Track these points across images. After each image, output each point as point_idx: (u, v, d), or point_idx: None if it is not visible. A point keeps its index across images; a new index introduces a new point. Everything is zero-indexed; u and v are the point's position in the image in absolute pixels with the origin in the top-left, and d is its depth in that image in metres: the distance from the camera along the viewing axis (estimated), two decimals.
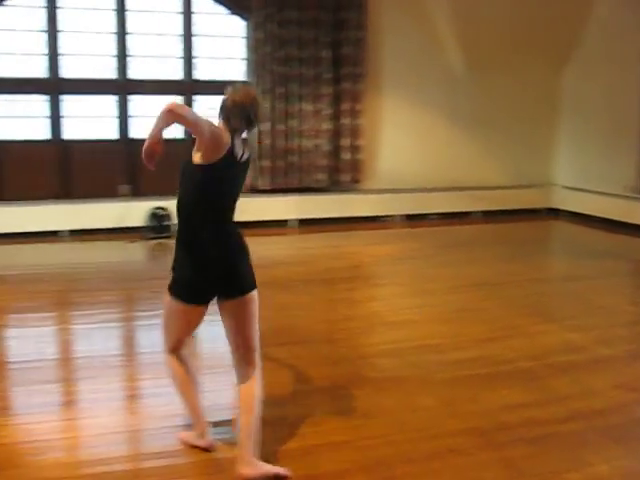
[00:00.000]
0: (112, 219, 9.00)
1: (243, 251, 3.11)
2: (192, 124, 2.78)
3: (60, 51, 9.11)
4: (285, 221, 9.83)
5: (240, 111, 2.93)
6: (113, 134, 9.43)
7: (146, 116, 9.34)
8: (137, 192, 9.43)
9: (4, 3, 8.77)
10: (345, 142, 10.06)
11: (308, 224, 9.77)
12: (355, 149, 10.11)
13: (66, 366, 4.43)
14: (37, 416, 3.45)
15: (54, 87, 9.16)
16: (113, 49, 9.28)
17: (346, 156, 10.08)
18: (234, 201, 3.06)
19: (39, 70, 9.14)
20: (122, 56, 9.31)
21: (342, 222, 9.83)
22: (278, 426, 3.28)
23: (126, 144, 9.37)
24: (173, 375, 3.20)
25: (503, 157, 11.04)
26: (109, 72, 9.37)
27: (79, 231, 8.91)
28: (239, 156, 2.95)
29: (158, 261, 8.21)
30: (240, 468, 2.93)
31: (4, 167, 9.14)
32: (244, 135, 3.03)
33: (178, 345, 3.16)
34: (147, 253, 8.44)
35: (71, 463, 2.98)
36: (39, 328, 5.28)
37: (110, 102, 9.41)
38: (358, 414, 3.44)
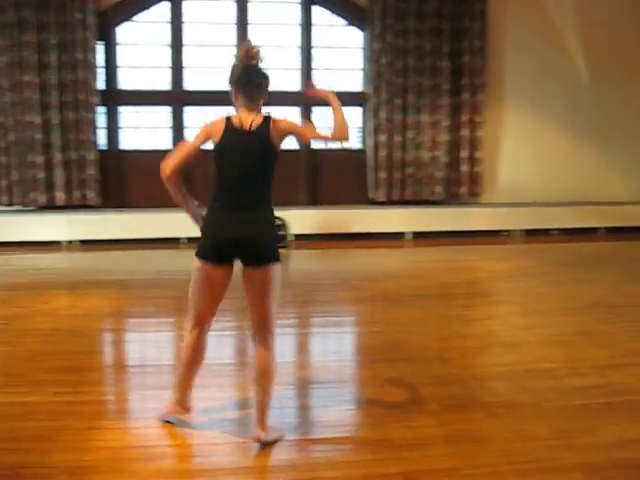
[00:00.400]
0: None
1: (265, 222, 3.21)
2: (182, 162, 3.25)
3: (184, 64, 9.45)
4: (400, 234, 9.72)
5: (240, 73, 3.23)
6: None
7: None
8: None
9: (133, 19, 9.19)
10: (464, 154, 9.86)
11: (423, 237, 9.62)
12: (474, 161, 9.89)
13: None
14: (148, 421, 3.50)
15: (178, 99, 9.50)
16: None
17: (464, 168, 9.87)
18: (254, 168, 3.18)
19: (164, 82, 9.51)
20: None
21: (458, 236, 9.61)
22: (380, 447, 3.18)
23: None
24: (186, 347, 3.39)
25: (628, 171, 10.47)
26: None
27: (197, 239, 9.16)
28: (242, 126, 3.18)
29: None
30: (256, 431, 3.16)
31: (129, 175, 9.57)
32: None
33: (202, 320, 3.34)
34: None
35: (176, 471, 2.99)
36: (155, 333, 5.43)
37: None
38: (466, 440, 3.28)
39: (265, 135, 3.18)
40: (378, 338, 5.06)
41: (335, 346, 5.05)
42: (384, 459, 3.08)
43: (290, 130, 3.25)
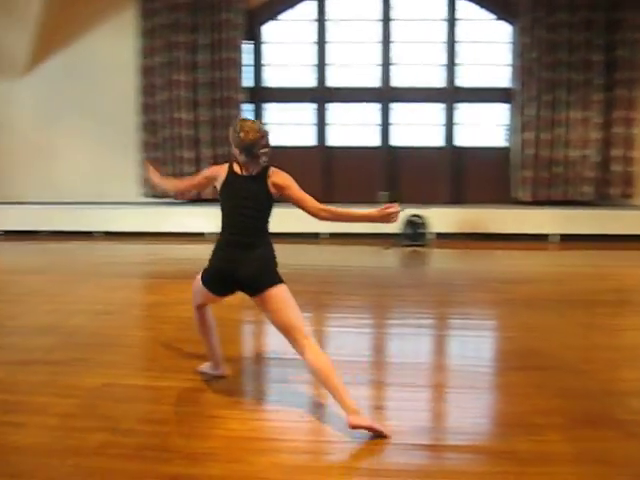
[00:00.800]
0: (369, 224, 9.15)
1: (261, 259, 3.54)
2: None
3: (328, 61, 9.52)
4: (545, 235, 9.31)
5: (245, 147, 3.49)
6: (375, 141, 9.64)
7: (407, 124, 9.44)
8: (395, 199, 9.52)
9: (278, 18, 9.36)
10: (616, 153, 9.28)
11: (571, 240, 9.15)
12: (627, 161, 9.28)
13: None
14: (270, 414, 3.54)
15: (322, 96, 9.60)
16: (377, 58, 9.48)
17: (617, 168, 9.29)
18: (253, 210, 3.56)
19: (309, 80, 9.63)
20: (386, 64, 9.48)
21: (609, 240, 9.06)
22: (503, 459, 3.03)
23: (387, 151, 9.53)
24: (197, 323, 3.91)
25: None
26: (374, 80, 9.58)
27: (338, 234, 9.24)
28: (242, 172, 3.56)
29: (410, 269, 8.22)
30: (349, 419, 3.24)
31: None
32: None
33: (202, 307, 3.86)
34: (400, 260, 8.48)
35: (290, 467, 2.98)
36: None
37: (374, 110, 9.64)
38: (596, 460, 3.05)
39: (263, 181, 3.55)
40: (512, 344, 4.85)
41: (467, 350, 4.89)
42: (505, 472, 2.93)
43: (285, 185, 3.57)
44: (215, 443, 3.18)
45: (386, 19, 9.40)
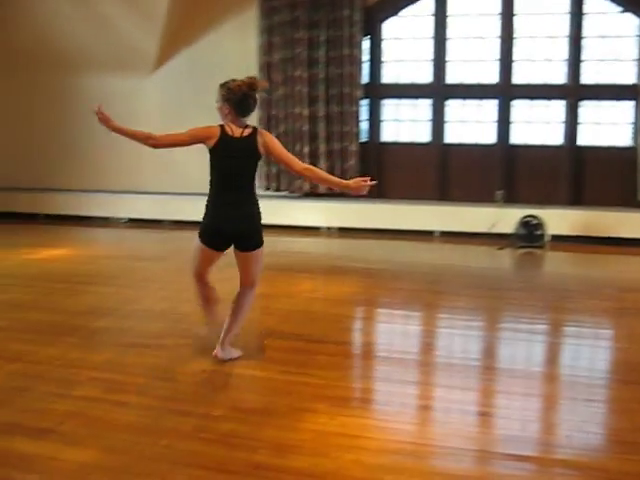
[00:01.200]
0: (483, 224, 9.00)
1: (250, 216, 3.99)
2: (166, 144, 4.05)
3: (447, 57, 9.39)
4: None
5: (239, 98, 3.89)
6: (493, 139, 9.42)
7: (526, 122, 9.18)
8: (511, 198, 9.29)
9: (398, 14, 9.33)
10: None
11: None
12: None
13: (416, 367, 4.39)
14: (359, 411, 3.53)
15: (440, 92, 9.48)
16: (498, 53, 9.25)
17: None
18: (245, 169, 3.96)
19: (426, 76, 9.54)
20: (506, 60, 9.24)
21: None
22: (592, 477, 2.90)
23: (505, 149, 9.30)
24: (197, 293, 4.24)
25: None
26: (493, 76, 9.36)
27: (450, 233, 9.12)
28: (235, 134, 3.90)
29: (522, 272, 7.97)
30: (217, 349, 4.12)
31: (387, 167, 9.78)
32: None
33: (201, 275, 4.15)
34: (513, 262, 8.25)
35: (372, 465, 2.94)
36: (386, 324, 5.52)
37: (492, 107, 9.43)
38: None
39: (254, 141, 3.92)
40: (623, 355, 4.63)
41: (578, 359, 4.70)
42: None
43: (273, 145, 3.97)
44: (302, 436, 3.24)
45: (507, 14, 9.14)
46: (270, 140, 3.99)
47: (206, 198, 4.02)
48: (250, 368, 4.16)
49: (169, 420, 3.38)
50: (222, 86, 3.95)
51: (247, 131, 3.94)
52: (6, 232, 9.78)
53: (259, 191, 9.79)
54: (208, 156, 3.97)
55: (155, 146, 4.03)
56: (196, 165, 10.31)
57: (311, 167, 4.10)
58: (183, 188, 9.92)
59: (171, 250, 8.46)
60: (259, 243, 4.03)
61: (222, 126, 3.94)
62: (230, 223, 3.93)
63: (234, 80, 3.92)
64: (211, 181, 3.98)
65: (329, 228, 9.62)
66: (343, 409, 3.58)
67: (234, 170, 3.95)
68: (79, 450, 3.05)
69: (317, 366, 4.23)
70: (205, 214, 4.01)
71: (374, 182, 3.97)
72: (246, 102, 3.93)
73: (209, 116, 10.04)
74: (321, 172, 4.16)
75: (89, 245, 8.86)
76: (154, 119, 10.38)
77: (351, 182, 4.00)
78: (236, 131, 3.92)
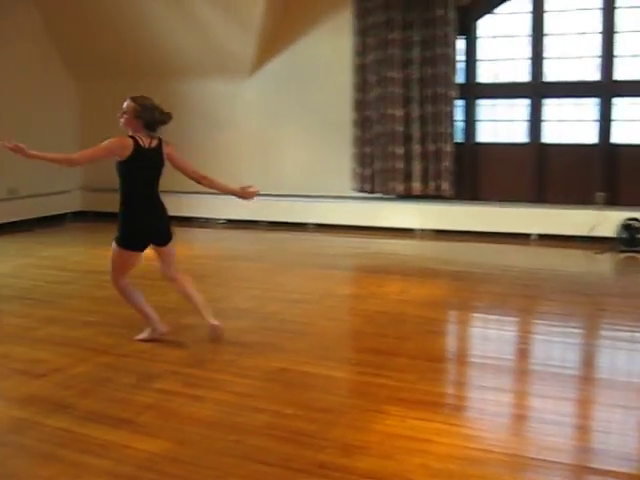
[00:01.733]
0: (583, 227, 8.67)
1: (164, 215, 4.55)
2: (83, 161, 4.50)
3: (545, 55, 9.12)
4: None
5: (155, 122, 4.39)
6: (593, 138, 9.06)
7: (629, 120, 8.80)
8: (613, 201, 8.90)
9: (494, 12, 9.13)
10: None
11: None
12: None
13: (496, 373, 4.30)
14: (430, 414, 3.45)
15: (537, 90, 9.22)
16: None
17: None
18: (157, 176, 4.48)
19: (523, 74, 9.30)
20: (608, 57, 8.87)
21: None
22: None
23: (606, 149, 8.93)
24: (124, 297, 4.61)
25: None
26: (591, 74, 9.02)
27: (548, 236, 8.84)
28: (146, 144, 4.35)
29: (623, 277, 7.62)
30: (211, 320, 4.50)
31: (483, 168, 9.59)
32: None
33: (122, 278, 4.54)
34: (612, 267, 7.91)
35: (437, 469, 2.88)
36: (470, 328, 5.43)
37: (592, 105, 9.09)
38: None
39: (160, 152, 4.44)
40: None
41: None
42: None
43: (175, 155, 4.54)
44: (370, 437, 3.24)
45: (608, 8, 8.76)
46: (173, 151, 4.53)
47: (127, 210, 4.44)
48: (328, 368, 4.19)
49: (241, 416, 3.46)
50: (134, 100, 4.40)
51: (154, 142, 4.42)
52: (107, 231, 10.21)
53: (353, 193, 9.85)
54: (116, 168, 4.39)
55: (73, 164, 4.63)
56: (291, 167, 10.55)
57: (207, 176, 4.64)
58: (279, 190, 10.07)
59: (263, 250, 8.62)
60: (172, 236, 4.59)
61: (133, 137, 4.35)
62: (156, 225, 4.50)
63: (149, 100, 4.43)
64: (126, 191, 4.40)
65: (423, 230, 9.53)
66: (415, 412, 3.56)
67: (150, 178, 4.45)
68: (152, 440, 3.17)
69: (396, 368, 4.21)
70: (127, 223, 4.43)
71: (258, 190, 4.78)
72: (156, 125, 4.41)
73: (309, 116, 10.22)
74: (215, 181, 4.68)
75: (185, 245, 9.14)
76: (252, 122, 10.60)
77: (237, 188, 4.70)
78: (146, 141, 4.38)
